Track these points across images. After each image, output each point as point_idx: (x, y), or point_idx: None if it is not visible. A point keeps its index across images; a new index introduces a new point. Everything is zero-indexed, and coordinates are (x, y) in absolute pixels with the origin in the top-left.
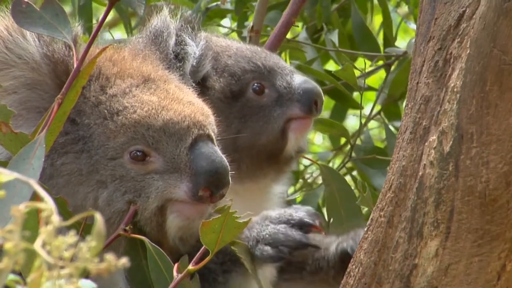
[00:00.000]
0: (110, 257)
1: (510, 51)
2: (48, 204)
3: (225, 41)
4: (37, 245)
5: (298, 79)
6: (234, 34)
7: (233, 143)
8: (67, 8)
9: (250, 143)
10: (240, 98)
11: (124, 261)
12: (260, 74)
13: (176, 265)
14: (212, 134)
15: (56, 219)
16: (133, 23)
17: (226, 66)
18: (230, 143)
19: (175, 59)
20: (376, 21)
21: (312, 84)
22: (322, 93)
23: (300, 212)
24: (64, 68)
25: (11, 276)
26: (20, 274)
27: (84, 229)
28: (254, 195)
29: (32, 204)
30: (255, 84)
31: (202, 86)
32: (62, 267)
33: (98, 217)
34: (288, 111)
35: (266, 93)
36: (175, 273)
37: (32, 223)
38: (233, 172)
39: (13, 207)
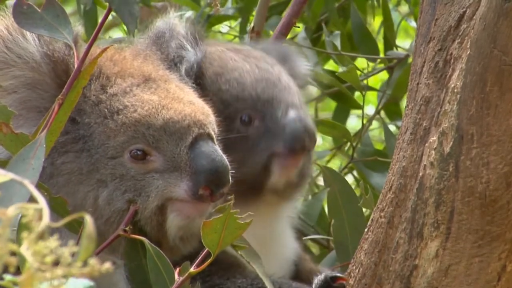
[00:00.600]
0: (93, 261)
1: (511, 52)
2: (40, 205)
3: (234, 60)
4: (23, 249)
5: (291, 115)
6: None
7: None
8: (69, 9)
9: (233, 174)
10: (229, 126)
11: (108, 266)
12: (253, 105)
13: (178, 269)
14: (213, 133)
15: (47, 220)
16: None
17: (219, 91)
18: None
19: (171, 62)
20: (376, 21)
21: (302, 122)
22: (313, 132)
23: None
24: (65, 68)
25: (8, 277)
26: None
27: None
28: (259, 216)
29: (23, 206)
30: (244, 115)
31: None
32: (44, 272)
33: (88, 220)
34: (272, 146)
35: (254, 125)
36: (176, 276)
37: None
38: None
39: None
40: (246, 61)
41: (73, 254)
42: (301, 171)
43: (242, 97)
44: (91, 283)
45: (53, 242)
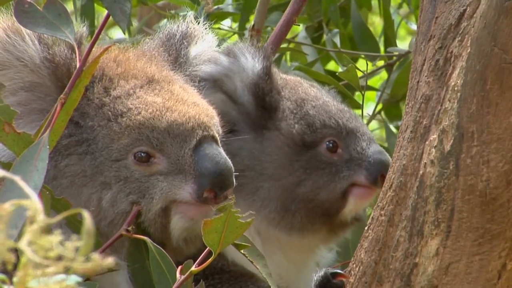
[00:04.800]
0: (96, 256)
1: (511, 50)
2: (34, 202)
3: (314, 90)
4: (22, 244)
5: (374, 148)
6: (233, 33)
7: (292, 191)
8: (70, 8)
9: (310, 196)
10: (311, 149)
11: (111, 261)
12: (338, 133)
13: (179, 267)
14: (217, 135)
15: (41, 217)
16: (134, 24)
17: (307, 115)
18: (290, 191)
19: (175, 63)
20: (377, 22)
21: (386, 156)
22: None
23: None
24: (66, 71)
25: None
26: (6, 272)
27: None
28: (298, 249)
29: (18, 202)
30: (331, 141)
31: (267, 120)
32: (47, 266)
33: (87, 216)
34: (354, 176)
35: (338, 152)
36: (178, 275)
37: None
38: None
39: None
40: (324, 93)
41: (76, 250)
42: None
43: (329, 124)
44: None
45: (56, 236)
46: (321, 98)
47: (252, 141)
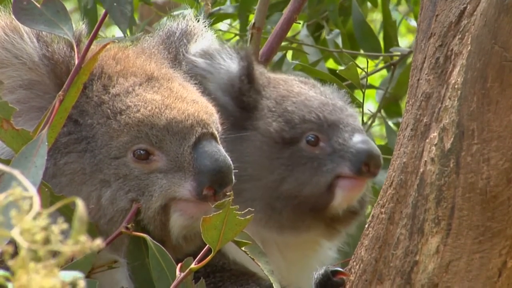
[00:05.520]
0: (83, 238)
1: (511, 48)
2: (30, 192)
3: (301, 87)
4: (14, 232)
5: (356, 138)
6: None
7: (275, 190)
8: (68, 6)
9: (294, 192)
10: (291, 145)
11: (99, 243)
12: (319, 127)
13: (179, 265)
14: (216, 132)
15: (37, 206)
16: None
17: (286, 112)
18: (273, 189)
19: (175, 60)
20: (377, 18)
21: (369, 145)
22: (379, 157)
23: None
24: (65, 69)
25: (0, 272)
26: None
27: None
28: (296, 248)
29: (13, 192)
30: (311, 136)
31: (246, 120)
32: (34, 251)
33: (80, 203)
34: (338, 168)
35: (320, 146)
36: (178, 272)
37: None
38: (273, 220)
39: None
40: (312, 89)
41: (63, 233)
42: (362, 198)
43: (309, 119)
44: (81, 274)
45: (42, 220)
46: (305, 94)
47: (232, 143)
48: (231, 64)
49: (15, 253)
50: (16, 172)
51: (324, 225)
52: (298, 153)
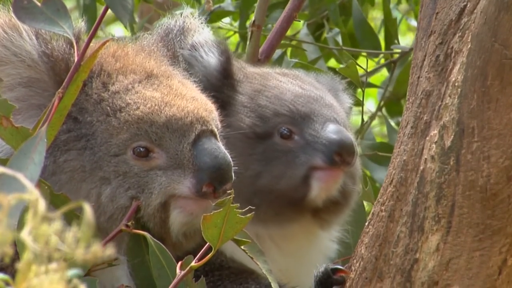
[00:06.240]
0: (96, 246)
1: (511, 46)
2: (34, 194)
3: (278, 80)
4: (24, 234)
5: (328, 128)
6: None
7: (251, 185)
8: (68, 5)
9: (270, 187)
10: (265, 140)
11: (110, 251)
12: (292, 119)
13: (179, 263)
14: (215, 129)
15: (42, 208)
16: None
17: (258, 107)
18: (249, 185)
19: (174, 58)
20: (378, 17)
21: (341, 135)
22: (352, 145)
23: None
24: (64, 66)
25: (0, 276)
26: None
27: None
28: (290, 239)
29: (19, 196)
30: (284, 129)
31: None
32: (48, 255)
33: (87, 207)
34: (311, 160)
35: (294, 139)
36: (178, 270)
37: None
38: (255, 213)
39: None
40: (290, 81)
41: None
42: (343, 188)
43: (282, 112)
44: (80, 272)
45: (57, 225)
46: (279, 87)
47: None
48: (209, 59)
49: (15, 256)
50: (17, 174)
51: (311, 216)
52: (272, 147)
